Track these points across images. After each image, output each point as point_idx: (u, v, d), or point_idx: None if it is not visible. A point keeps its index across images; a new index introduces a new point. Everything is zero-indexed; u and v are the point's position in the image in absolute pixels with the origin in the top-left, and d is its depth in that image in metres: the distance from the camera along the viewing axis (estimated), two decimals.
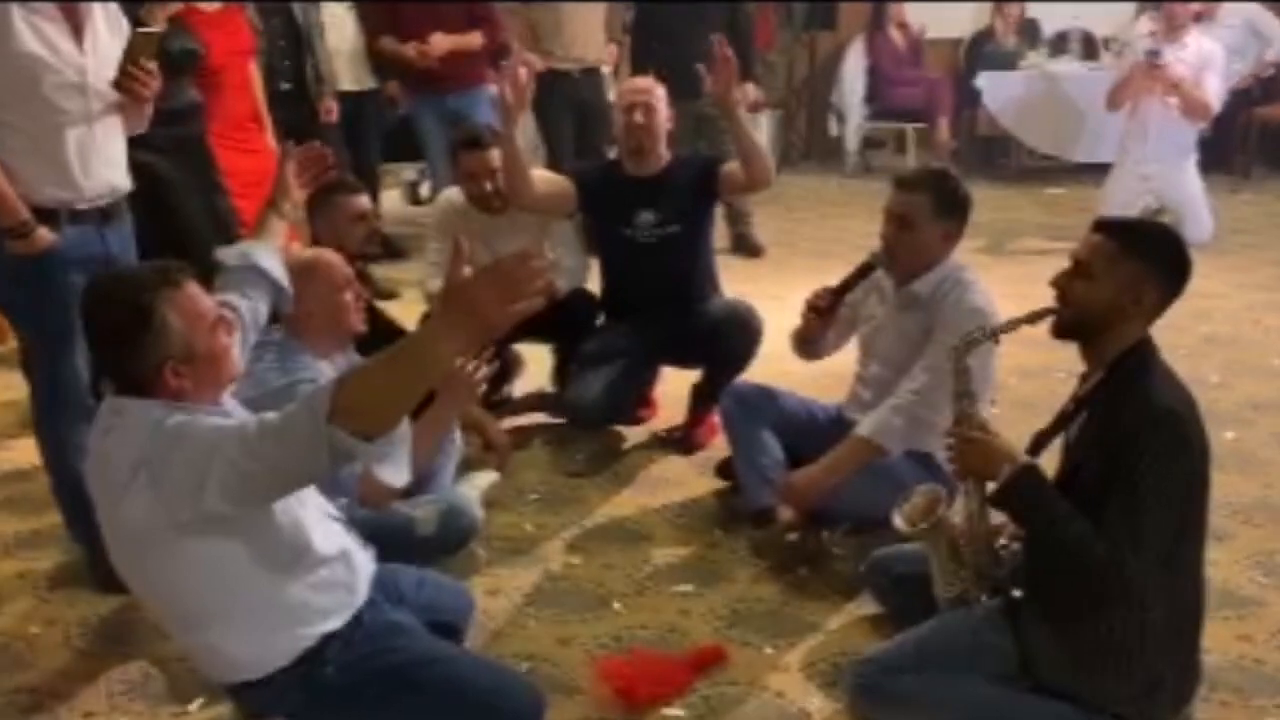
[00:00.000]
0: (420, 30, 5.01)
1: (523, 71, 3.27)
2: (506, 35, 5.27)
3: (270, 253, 2.38)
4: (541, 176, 3.52)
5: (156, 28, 2.64)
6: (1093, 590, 2.02)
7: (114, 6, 2.72)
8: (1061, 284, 2.12)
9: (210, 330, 1.90)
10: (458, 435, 3.16)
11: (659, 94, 3.50)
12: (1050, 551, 2.09)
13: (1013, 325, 2.24)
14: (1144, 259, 2.06)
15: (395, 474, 2.49)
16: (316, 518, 2.01)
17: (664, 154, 3.51)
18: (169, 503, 1.75)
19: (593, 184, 3.53)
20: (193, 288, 1.90)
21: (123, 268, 1.94)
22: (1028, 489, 2.07)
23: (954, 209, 2.78)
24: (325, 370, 2.59)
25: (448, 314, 1.57)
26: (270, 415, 1.70)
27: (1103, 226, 2.13)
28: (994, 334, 2.28)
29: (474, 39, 5.08)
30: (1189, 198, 5.82)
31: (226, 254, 2.36)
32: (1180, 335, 4.28)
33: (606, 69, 5.74)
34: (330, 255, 2.70)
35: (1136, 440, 1.97)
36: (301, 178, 2.52)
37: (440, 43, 4.98)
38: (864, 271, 2.85)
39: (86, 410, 2.74)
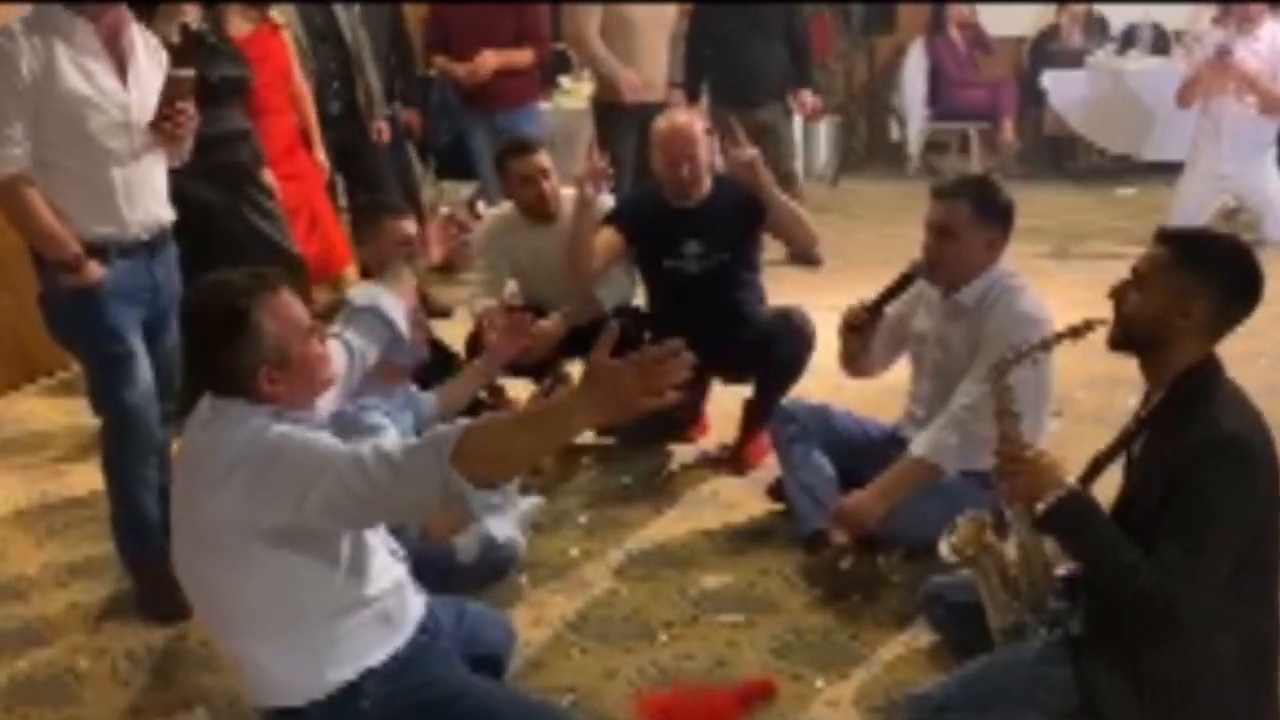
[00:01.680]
0: (470, 49, 5.04)
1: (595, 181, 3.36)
2: (549, 51, 5.30)
3: (396, 302, 2.52)
4: (597, 246, 3.43)
5: (188, 71, 2.64)
6: (1145, 622, 1.91)
7: (154, 40, 2.74)
8: (1118, 294, 2.01)
9: (305, 337, 1.92)
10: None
11: (696, 135, 3.40)
12: (1101, 580, 1.98)
13: (1054, 341, 2.14)
14: (1197, 271, 1.94)
15: (499, 527, 2.69)
16: (379, 552, 2.01)
17: (707, 184, 3.43)
18: (261, 505, 1.78)
19: (638, 222, 3.47)
20: (287, 294, 1.92)
21: (222, 274, 1.95)
22: (1073, 514, 1.97)
23: (996, 215, 2.67)
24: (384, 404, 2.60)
25: (591, 393, 1.64)
26: (389, 445, 1.75)
27: (1163, 236, 2.02)
28: (1029, 353, 2.16)
29: (523, 56, 5.09)
30: (1268, 196, 5.57)
31: (356, 294, 2.53)
32: (1258, 341, 4.08)
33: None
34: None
35: (1195, 465, 1.86)
36: (442, 238, 2.92)
37: (488, 61, 5.01)
38: (903, 283, 2.74)
39: (155, 443, 2.76)
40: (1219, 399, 1.94)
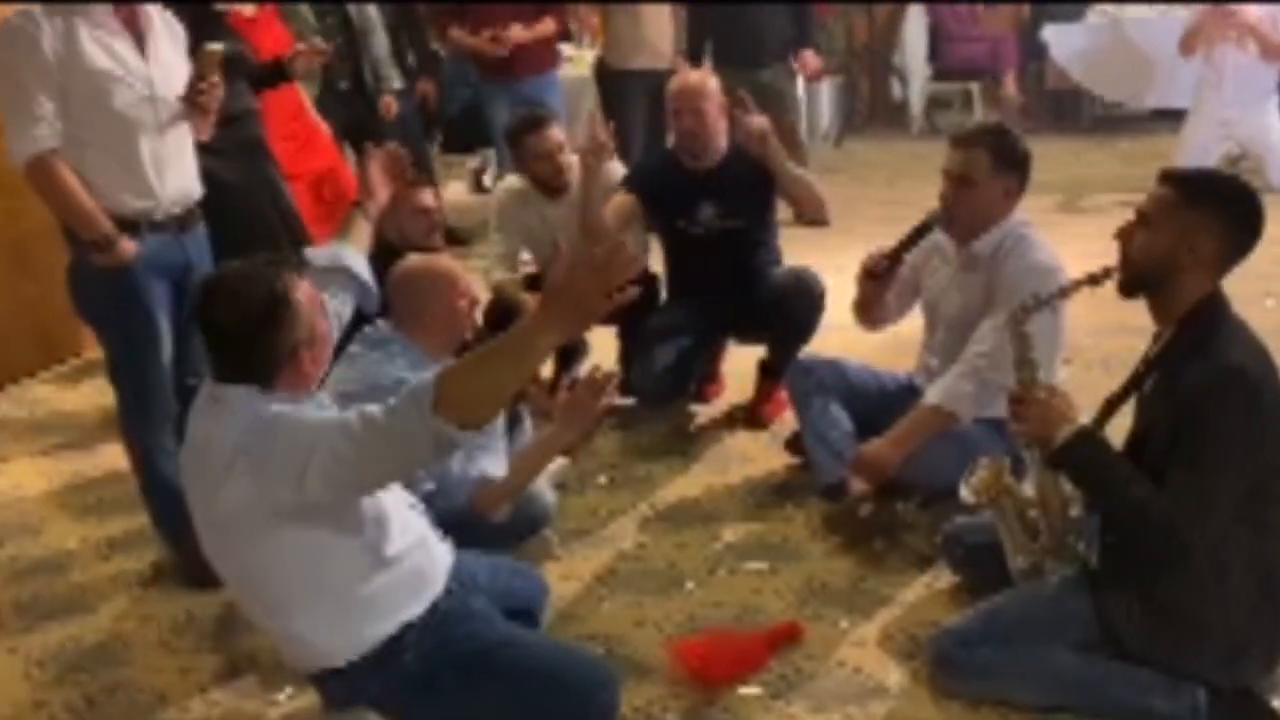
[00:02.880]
0: (489, 17, 5.04)
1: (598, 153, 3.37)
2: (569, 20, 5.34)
3: (358, 255, 2.49)
4: (610, 213, 3.46)
5: (218, 45, 2.72)
6: (1159, 554, 1.98)
7: (170, 17, 2.79)
8: (1124, 236, 2.07)
9: (321, 312, 1.98)
10: (527, 422, 3.19)
11: (709, 91, 3.43)
12: (1113, 515, 2.04)
13: (1072, 289, 2.19)
14: (1201, 208, 2.00)
15: (495, 465, 2.59)
16: (398, 509, 2.06)
17: (721, 146, 3.46)
18: (268, 489, 1.82)
19: (652, 186, 3.51)
20: (310, 286, 1.97)
21: (236, 264, 1.99)
22: (1084, 452, 2.03)
23: (1013, 164, 2.71)
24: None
25: (550, 307, 1.67)
26: (372, 407, 1.76)
27: (1166, 176, 2.07)
28: (1049, 300, 2.22)
29: (548, 26, 5.10)
30: (1271, 142, 5.59)
31: (315, 255, 2.46)
32: (1265, 284, 4.13)
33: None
34: (450, 262, 2.75)
35: (1203, 399, 1.92)
36: (384, 177, 2.62)
37: (518, 34, 5.02)
38: (921, 232, 2.78)
39: (172, 414, 2.83)
40: (1225, 334, 1.99)
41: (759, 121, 3.32)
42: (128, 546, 3.11)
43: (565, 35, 6.61)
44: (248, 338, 1.90)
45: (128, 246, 2.63)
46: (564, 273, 1.69)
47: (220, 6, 3.67)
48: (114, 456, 3.53)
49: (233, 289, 1.92)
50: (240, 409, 1.88)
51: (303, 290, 1.93)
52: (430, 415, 1.66)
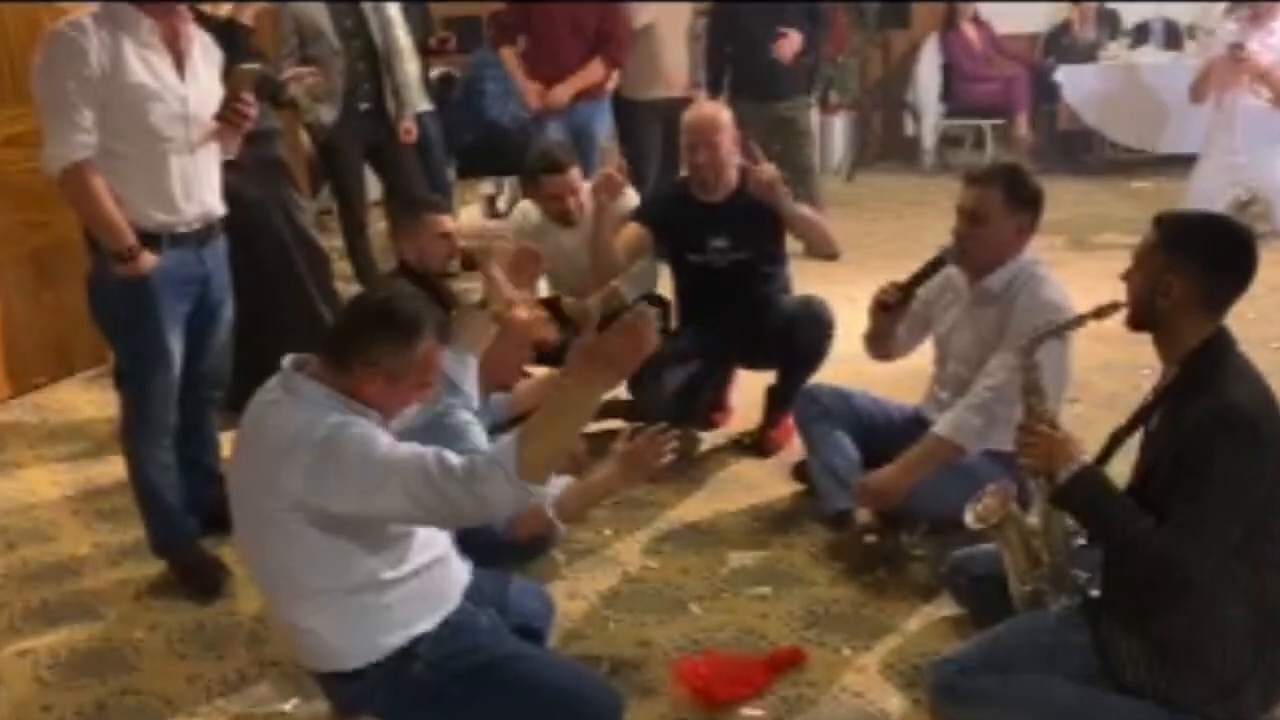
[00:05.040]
0: (549, 43, 5.11)
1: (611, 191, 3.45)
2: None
3: (465, 366, 2.57)
4: (621, 243, 3.52)
5: (253, 65, 2.80)
6: (1159, 588, 2.00)
7: (208, 37, 2.86)
8: (1125, 278, 2.13)
9: (419, 387, 2.07)
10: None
11: (722, 124, 3.47)
12: (1115, 551, 2.07)
13: (1079, 321, 2.24)
14: (1174, 251, 2.05)
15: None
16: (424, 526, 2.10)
17: (733, 178, 3.50)
18: (319, 490, 1.89)
19: (664, 217, 3.56)
20: (439, 350, 2.08)
21: (418, 296, 2.14)
22: (1086, 489, 2.07)
23: (1026, 202, 2.75)
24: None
25: (591, 369, 1.94)
26: (450, 457, 1.88)
27: (1155, 220, 2.13)
28: (1060, 330, 2.27)
29: (594, 73, 5.16)
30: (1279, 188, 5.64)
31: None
32: (1273, 327, 4.13)
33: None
34: (525, 316, 2.77)
35: (1203, 436, 1.95)
36: (515, 275, 2.79)
37: (561, 94, 5.07)
38: (934, 266, 2.83)
39: (169, 427, 2.88)
40: (1228, 373, 2.03)
41: (768, 171, 3.37)
42: (139, 554, 3.14)
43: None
44: (361, 323, 2.01)
45: (148, 259, 2.68)
46: (595, 340, 1.93)
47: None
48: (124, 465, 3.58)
49: (402, 296, 2.07)
50: (313, 402, 1.95)
51: (429, 351, 2.03)
52: (518, 481, 1.84)
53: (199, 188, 2.77)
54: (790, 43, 5.38)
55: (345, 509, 1.90)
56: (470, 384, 2.59)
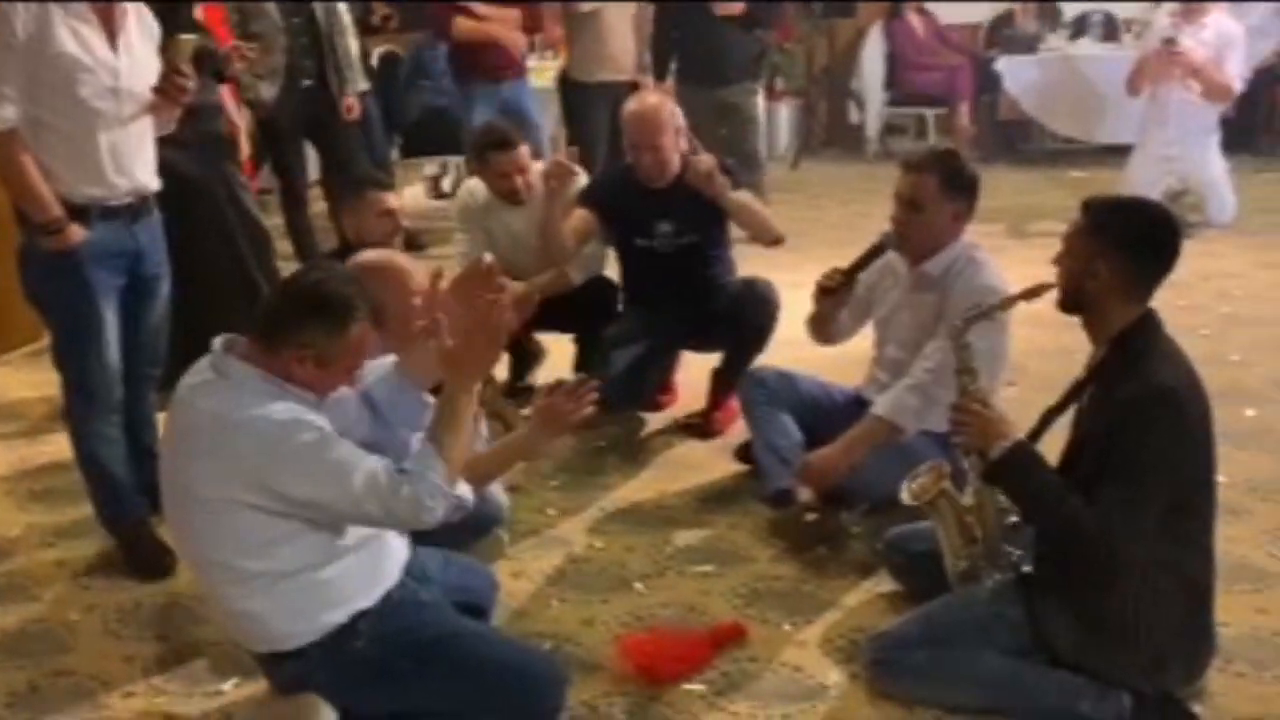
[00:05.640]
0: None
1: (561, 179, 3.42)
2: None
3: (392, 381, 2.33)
4: (569, 229, 3.50)
5: (190, 36, 2.76)
6: (1088, 565, 2.06)
7: (145, 11, 2.80)
8: (1056, 262, 2.18)
9: (350, 369, 2.05)
10: (483, 425, 3.21)
11: (663, 122, 3.44)
12: (1045, 526, 2.13)
13: (1010, 302, 2.29)
14: (1101, 235, 2.11)
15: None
16: None
17: (676, 165, 3.48)
18: (257, 476, 1.89)
19: (610, 203, 3.55)
20: (371, 331, 2.04)
21: (343, 273, 2.13)
22: (1018, 465, 2.12)
23: (962, 188, 2.80)
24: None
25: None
26: (391, 473, 1.92)
27: (1083, 205, 2.18)
28: (991, 310, 2.32)
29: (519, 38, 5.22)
30: (1211, 178, 5.79)
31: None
32: (1202, 315, 4.26)
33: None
34: (403, 260, 2.73)
35: (1130, 417, 2.01)
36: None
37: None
38: (874, 253, 2.87)
39: (115, 402, 2.83)
40: (1155, 356, 2.09)
41: (706, 162, 3.37)
42: (74, 535, 3.10)
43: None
44: (293, 307, 1.98)
45: (75, 232, 2.63)
46: (458, 342, 1.99)
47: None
48: (62, 445, 3.49)
49: (329, 276, 2.03)
50: (246, 388, 1.93)
51: (360, 334, 2.00)
52: (449, 491, 1.96)
53: (130, 162, 2.72)
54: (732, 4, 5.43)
55: (278, 501, 1.91)
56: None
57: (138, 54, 2.70)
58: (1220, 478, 2.19)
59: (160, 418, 3.00)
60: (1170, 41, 5.41)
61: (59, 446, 3.55)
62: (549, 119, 6.04)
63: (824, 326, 3.03)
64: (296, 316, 1.97)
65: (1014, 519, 2.30)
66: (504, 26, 5.20)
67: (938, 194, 2.77)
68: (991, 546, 2.29)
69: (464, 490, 2.03)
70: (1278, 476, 3.21)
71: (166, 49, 2.73)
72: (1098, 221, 2.12)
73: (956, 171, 2.80)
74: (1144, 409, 2.01)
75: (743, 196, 3.46)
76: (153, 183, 2.83)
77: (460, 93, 5.41)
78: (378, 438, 2.13)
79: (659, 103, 3.56)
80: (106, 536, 3.01)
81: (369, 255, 2.71)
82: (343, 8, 4.91)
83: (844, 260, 2.91)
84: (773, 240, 3.47)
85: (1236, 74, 5.59)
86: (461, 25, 5.19)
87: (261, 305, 2.05)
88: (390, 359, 2.26)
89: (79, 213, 2.65)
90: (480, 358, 2.01)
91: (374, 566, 2.10)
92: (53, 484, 3.42)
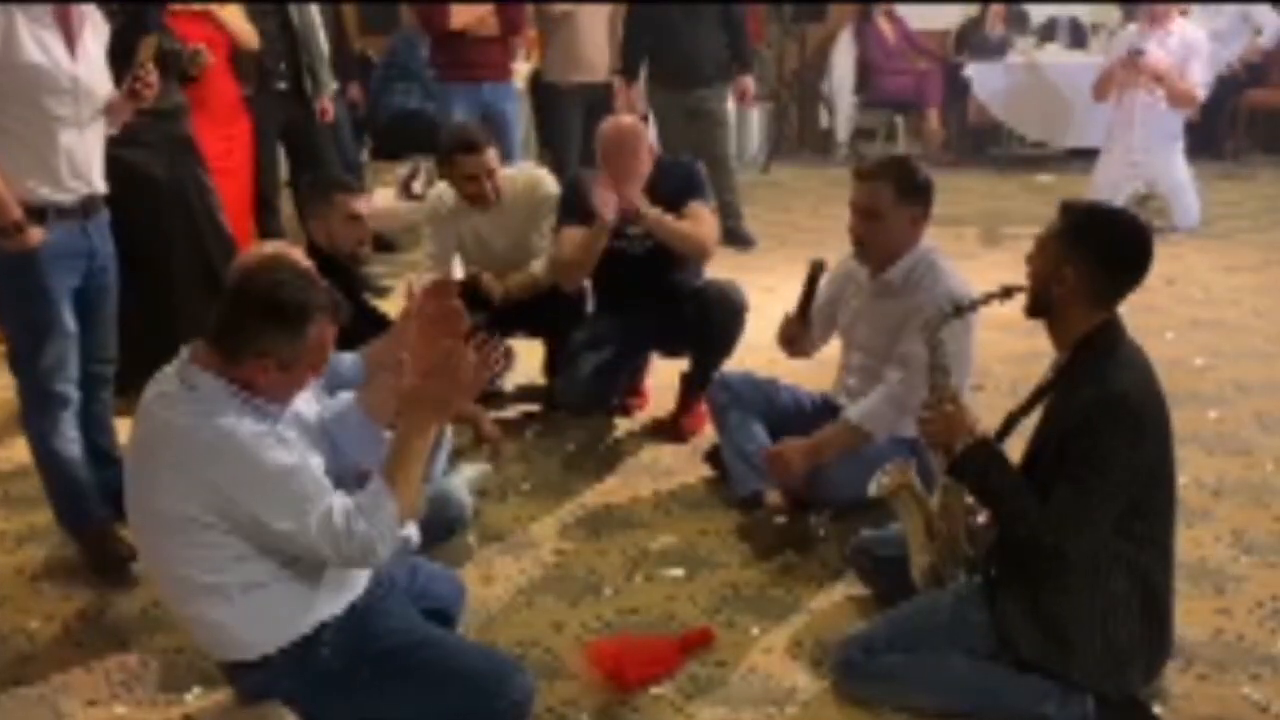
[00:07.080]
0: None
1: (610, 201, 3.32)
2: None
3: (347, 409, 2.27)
4: (568, 247, 3.46)
5: (150, 35, 2.74)
6: (1046, 566, 2.08)
7: (98, 15, 2.79)
8: (1028, 262, 2.19)
9: (312, 369, 2.02)
10: (449, 428, 3.20)
11: (639, 148, 3.40)
12: (1002, 523, 2.15)
13: (983, 301, 2.30)
14: (1071, 241, 2.12)
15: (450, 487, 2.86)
16: None
17: (646, 170, 3.44)
18: (209, 502, 1.89)
19: (585, 207, 3.46)
20: (330, 326, 2.01)
21: (308, 274, 2.08)
22: (979, 460, 2.14)
23: (917, 193, 2.81)
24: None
25: (411, 414, 2.02)
26: (346, 514, 1.93)
27: (1061, 209, 2.20)
28: (963, 310, 2.33)
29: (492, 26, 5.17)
30: (1176, 184, 5.86)
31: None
32: (1166, 319, 4.31)
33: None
34: (295, 252, 2.71)
35: (1087, 420, 2.04)
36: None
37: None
38: (812, 282, 2.91)
39: (70, 401, 2.80)
40: (1117, 361, 2.11)
41: (631, 199, 3.31)
42: (36, 540, 3.05)
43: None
44: (245, 314, 1.94)
45: (35, 234, 2.62)
46: (417, 383, 2.00)
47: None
48: (21, 450, 3.45)
49: (278, 278, 1.98)
50: (213, 403, 1.91)
51: (320, 333, 1.98)
52: (398, 532, 1.98)
53: (84, 164, 2.72)
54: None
55: (250, 521, 1.90)
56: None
57: (93, 57, 2.71)
58: (1182, 480, 2.22)
59: (121, 423, 2.98)
60: (1137, 52, 5.48)
61: (16, 451, 3.51)
62: (520, 121, 6.02)
63: (796, 347, 3.07)
64: (253, 326, 1.94)
65: (980, 519, 2.31)
66: (484, 28, 5.16)
67: (894, 201, 2.78)
68: (954, 543, 2.30)
69: (410, 531, 2.07)
70: (1240, 479, 3.25)
71: (136, 49, 2.72)
72: (1071, 228, 2.14)
73: (910, 176, 2.81)
74: (1098, 413, 2.04)
75: (667, 218, 3.37)
76: (101, 183, 2.82)
77: (440, 91, 5.38)
78: (332, 464, 2.12)
79: (633, 130, 3.46)
80: (67, 542, 2.97)
81: (267, 249, 2.69)
82: (314, 9, 4.87)
83: (815, 256, 2.93)
84: (704, 255, 3.48)
85: (1200, 81, 5.67)
86: (460, 14, 5.10)
87: (216, 316, 1.98)
88: (349, 396, 2.25)
89: (35, 214, 2.64)
90: (439, 401, 2.01)
91: (339, 576, 2.09)
92: (13, 489, 3.37)
